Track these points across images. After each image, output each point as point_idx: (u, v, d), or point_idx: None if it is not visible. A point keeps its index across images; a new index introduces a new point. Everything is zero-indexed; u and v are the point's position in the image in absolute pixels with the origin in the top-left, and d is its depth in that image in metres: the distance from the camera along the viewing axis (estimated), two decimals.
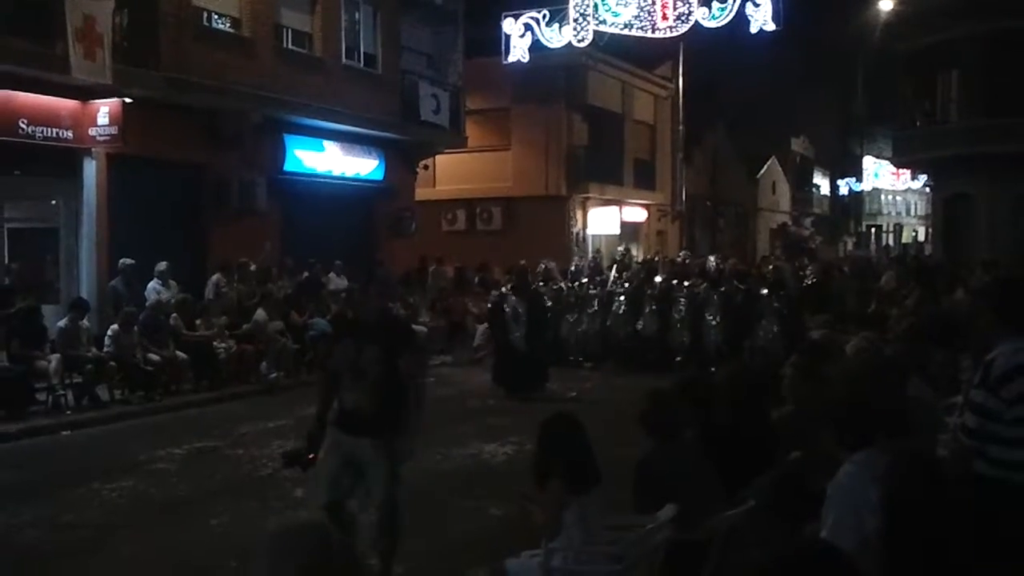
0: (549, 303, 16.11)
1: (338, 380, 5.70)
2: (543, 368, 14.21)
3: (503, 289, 15.35)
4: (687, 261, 21.21)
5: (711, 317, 15.49)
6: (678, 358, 15.41)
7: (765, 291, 15.59)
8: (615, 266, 19.17)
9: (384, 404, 5.49)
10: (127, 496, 8.42)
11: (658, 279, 17.16)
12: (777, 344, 14.20)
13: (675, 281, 16.78)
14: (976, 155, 26.05)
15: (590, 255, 19.06)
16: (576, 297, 17.06)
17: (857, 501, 3.52)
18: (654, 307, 16.05)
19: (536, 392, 13.52)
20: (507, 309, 14.43)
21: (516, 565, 4.62)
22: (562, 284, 17.76)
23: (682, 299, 15.87)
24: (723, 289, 15.98)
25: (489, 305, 16.05)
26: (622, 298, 16.46)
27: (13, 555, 6.87)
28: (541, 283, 16.55)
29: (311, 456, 5.67)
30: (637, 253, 28.65)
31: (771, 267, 19.41)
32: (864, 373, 3.98)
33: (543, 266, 18.02)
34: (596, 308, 16.62)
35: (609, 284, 17.24)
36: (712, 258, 21.67)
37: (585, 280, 17.95)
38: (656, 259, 21.80)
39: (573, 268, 20.09)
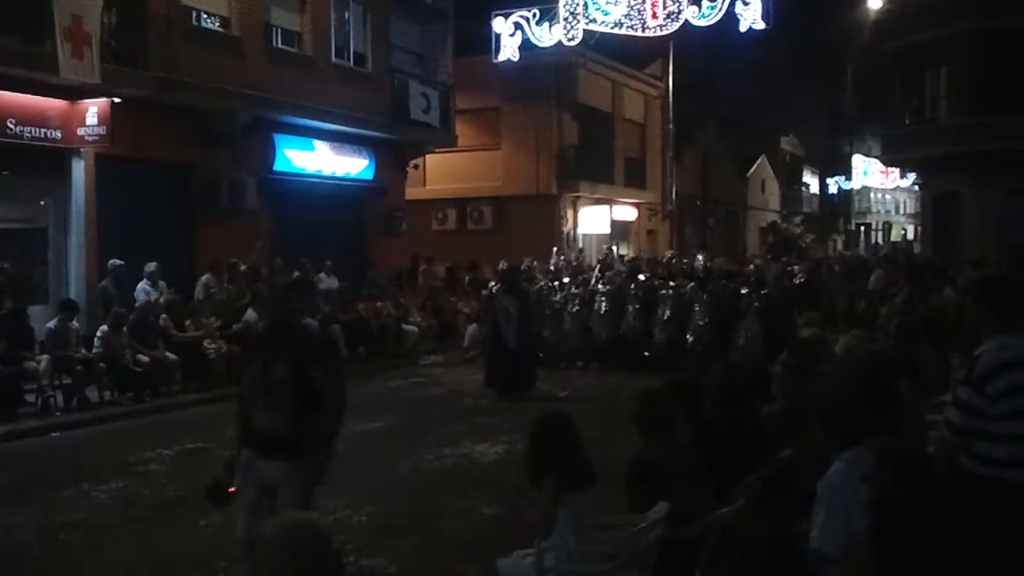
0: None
1: (252, 400, 5.22)
2: (533, 368, 14.21)
3: (492, 288, 15.33)
4: (672, 260, 21.11)
5: (697, 317, 15.25)
6: (661, 358, 15.16)
7: (745, 290, 15.53)
8: (599, 266, 18.93)
9: (298, 425, 5.03)
10: (117, 497, 8.40)
11: (642, 278, 17.04)
12: (758, 343, 14.21)
13: (659, 280, 16.62)
14: (965, 153, 26.13)
15: (574, 254, 18.71)
16: (559, 296, 16.76)
17: (847, 500, 3.53)
18: (637, 307, 15.86)
19: (527, 392, 13.54)
20: (497, 308, 14.44)
21: (508, 564, 4.62)
22: (542, 283, 17.55)
23: (668, 299, 15.64)
24: (710, 288, 15.89)
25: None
26: (604, 298, 16.20)
27: (4, 556, 6.85)
28: (524, 281, 16.36)
29: (231, 489, 5.17)
30: (628, 252, 28.68)
31: (751, 266, 19.28)
32: (854, 371, 3.99)
33: (525, 265, 17.96)
34: (577, 308, 16.34)
35: (592, 283, 17.01)
36: (700, 257, 21.61)
37: (567, 280, 17.61)
38: (639, 258, 21.67)
39: (551, 267, 19.62)
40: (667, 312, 15.53)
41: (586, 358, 16.32)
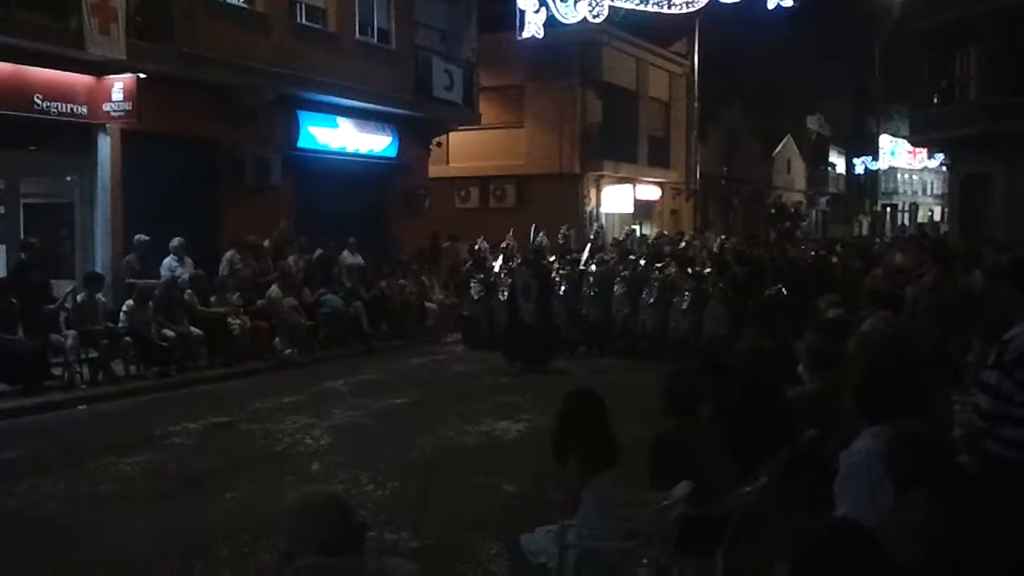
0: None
1: None
2: (551, 343, 14.23)
3: (510, 263, 15.26)
4: (661, 240, 20.52)
5: (677, 301, 14.85)
6: (646, 344, 14.95)
7: (707, 270, 15.29)
8: (588, 246, 18.43)
9: None
10: (143, 470, 8.49)
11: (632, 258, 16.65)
12: (723, 326, 14.07)
13: (644, 263, 16.16)
14: (994, 134, 25.78)
15: (561, 233, 18.13)
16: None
17: (871, 478, 3.52)
18: (624, 290, 15.38)
19: (545, 367, 13.59)
20: (517, 284, 14.41)
21: (531, 539, 4.64)
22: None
23: (655, 283, 15.17)
24: (694, 272, 15.47)
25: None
26: (592, 279, 15.77)
27: (32, 527, 6.94)
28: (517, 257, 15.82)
29: None
30: (651, 231, 28.54)
31: (715, 248, 18.43)
32: (883, 351, 3.97)
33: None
34: (565, 288, 15.70)
35: (581, 264, 16.45)
36: (683, 236, 21.11)
37: (553, 258, 16.72)
38: (628, 240, 21.27)
39: (536, 248, 18.69)
40: (652, 296, 15.11)
41: (576, 342, 15.90)
